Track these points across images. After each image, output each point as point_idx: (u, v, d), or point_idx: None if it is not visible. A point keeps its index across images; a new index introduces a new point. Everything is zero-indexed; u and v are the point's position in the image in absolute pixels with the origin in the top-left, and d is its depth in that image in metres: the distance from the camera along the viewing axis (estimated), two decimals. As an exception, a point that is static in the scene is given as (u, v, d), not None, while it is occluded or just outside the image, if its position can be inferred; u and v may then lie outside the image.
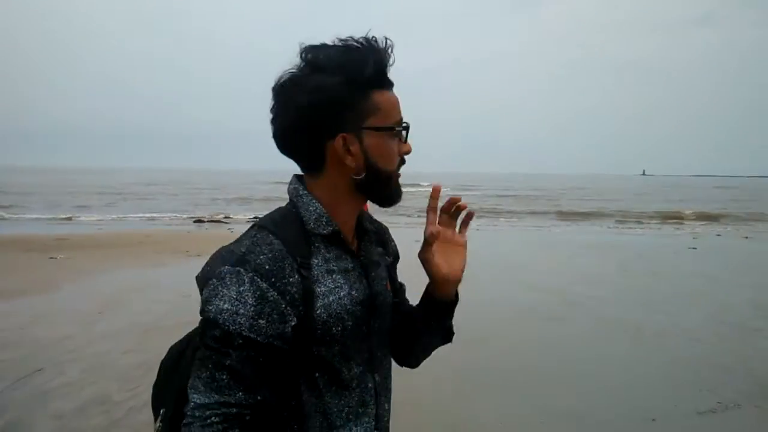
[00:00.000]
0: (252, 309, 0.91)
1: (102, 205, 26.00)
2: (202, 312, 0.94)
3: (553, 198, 37.97)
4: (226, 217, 19.88)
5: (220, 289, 0.93)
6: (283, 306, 0.93)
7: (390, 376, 1.16)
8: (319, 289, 0.98)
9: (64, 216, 19.87)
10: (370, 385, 1.08)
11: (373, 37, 0.98)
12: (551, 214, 24.69)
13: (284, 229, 0.99)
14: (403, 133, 1.04)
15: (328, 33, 1.00)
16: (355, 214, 1.08)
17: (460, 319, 1.17)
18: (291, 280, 0.95)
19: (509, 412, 3.81)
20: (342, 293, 1.01)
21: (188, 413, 0.92)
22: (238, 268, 0.93)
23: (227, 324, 0.91)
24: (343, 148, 0.99)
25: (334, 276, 1.01)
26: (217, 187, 46.44)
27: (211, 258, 1.01)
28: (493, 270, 9.16)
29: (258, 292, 0.92)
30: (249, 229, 1.02)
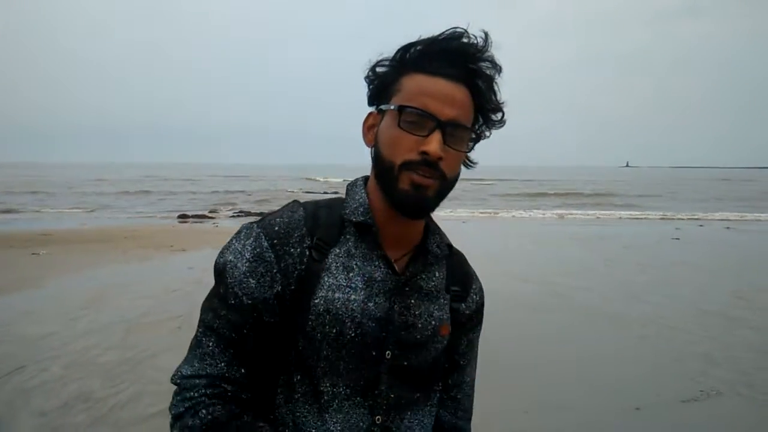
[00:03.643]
0: (247, 265, 0.89)
1: (84, 200, 25.67)
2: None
3: (542, 189, 38.21)
4: (210, 212, 19.75)
5: (233, 242, 0.92)
6: (275, 270, 0.89)
7: None
8: (326, 279, 0.90)
9: (46, 211, 19.61)
10: (361, 423, 0.91)
11: (459, 27, 0.89)
12: (539, 204, 24.85)
13: (322, 210, 0.95)
14: (415, 121, 0.86)
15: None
16: (398, 218, 0.92)
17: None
18: (293, 250, 0.90)
19: (494, 402, 3.82)
20: (354, 296, 0.89)
21: (174, 382, 0.90)
22: (253, 224, 0.93)
23: (227, 276, 0.89)
24: (366, 126, 0.96)
25: (350, 275, 0.91)
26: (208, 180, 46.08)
27: None
28: (480, 261, 9.19)
29: (257, 249, 0.89)
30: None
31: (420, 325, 0.94)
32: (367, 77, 0.95)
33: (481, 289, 1.09)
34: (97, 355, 4.64)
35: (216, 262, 0.93)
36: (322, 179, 50.64)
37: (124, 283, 7.31)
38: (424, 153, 0.85)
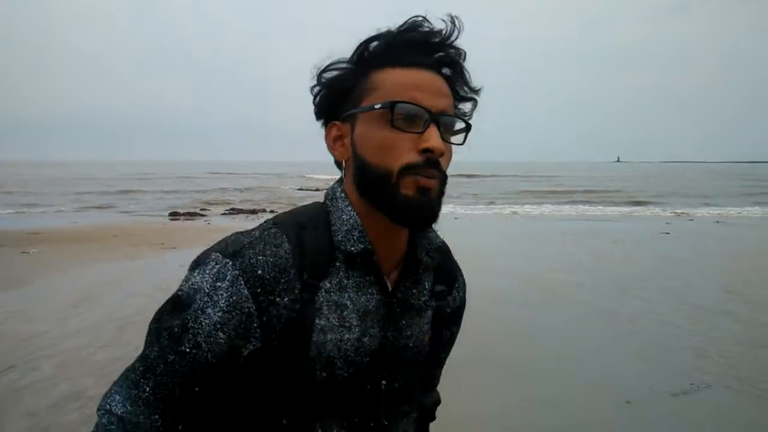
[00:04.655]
0: (219, 315, 0.73)
1: (75, 198, 25.50)
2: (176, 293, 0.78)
3: (532, 185, 38.34)
4: (202, 209, 19.67)
5: (196, 275, 0.77)
6: (255, 325, 0.75)
7: None
8: (317, 321, 0.77)
9: (36, 209, 19.47)
10: None
11: (418, 15, 0.80)
12: (531, 200, 24.93)
13: (306, 233, 0.80)
14: (408, 118, 0.76)
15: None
16: (392, 232, 0.81)
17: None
18: (280, 300, 0.76)
19: (488, 399, 3.84)
20: (347, 336, 0.79)
21: (99, 413, 0.75)
22: (226, 260, 0.76)
23: (189, 321, 0.74)
24: (331, 139, 0.84)
25: (344, 313, 0.79)
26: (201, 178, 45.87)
27: (223, 238, 0.82)
28: (469, 257, 9.22)
29: (234, 298, 0.74)
30: (266, 222, 0.84)
31: (411, 344, 0.87)
32: (315, 86, 0.85)
33: (464, 284, 1.02)
34: (90, 353, 4.62)
35: (180, 289, 0.77)
36: (309, 175, 51.21)
37: (115, 281, 7.28)
38: (428, 150, 0.75)
